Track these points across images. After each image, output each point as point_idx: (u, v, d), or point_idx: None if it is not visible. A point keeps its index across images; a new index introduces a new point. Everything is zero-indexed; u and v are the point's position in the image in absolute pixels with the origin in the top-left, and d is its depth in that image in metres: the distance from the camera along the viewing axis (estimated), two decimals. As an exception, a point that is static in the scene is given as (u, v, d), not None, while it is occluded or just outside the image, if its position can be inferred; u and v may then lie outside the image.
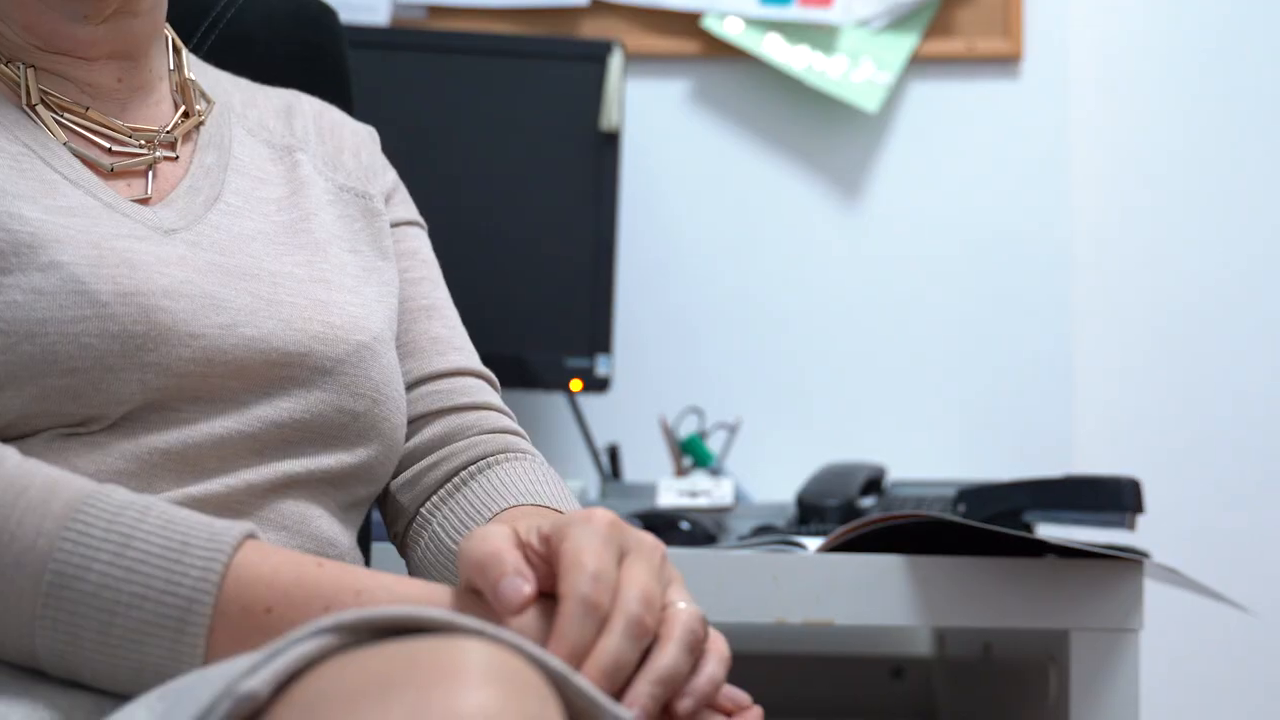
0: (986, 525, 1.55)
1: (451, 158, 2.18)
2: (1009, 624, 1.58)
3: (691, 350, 2.39)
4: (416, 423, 1.30)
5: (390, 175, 1.39)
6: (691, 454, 2.22)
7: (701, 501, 2.08)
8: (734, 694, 1.01)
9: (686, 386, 2.37)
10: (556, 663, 0.86)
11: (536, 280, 2.20)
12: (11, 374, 1.07)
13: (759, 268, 2.40)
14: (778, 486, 2.26)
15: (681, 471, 2.21)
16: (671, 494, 2.10)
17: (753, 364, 2.39)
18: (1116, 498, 1.70)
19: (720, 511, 2.06)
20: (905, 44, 2.37)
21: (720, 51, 2.38)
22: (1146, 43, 2.43)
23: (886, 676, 2.31)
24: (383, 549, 1.48)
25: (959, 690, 2.22)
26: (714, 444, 2.26)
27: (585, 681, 0.88)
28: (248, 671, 0.84)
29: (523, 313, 2.19)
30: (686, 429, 2.27)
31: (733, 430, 2.26)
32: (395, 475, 1.29)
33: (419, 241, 1.38)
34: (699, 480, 2.12)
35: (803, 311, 2.40)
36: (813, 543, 1.65)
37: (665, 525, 1.87)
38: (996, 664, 1.98)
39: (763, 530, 1.88)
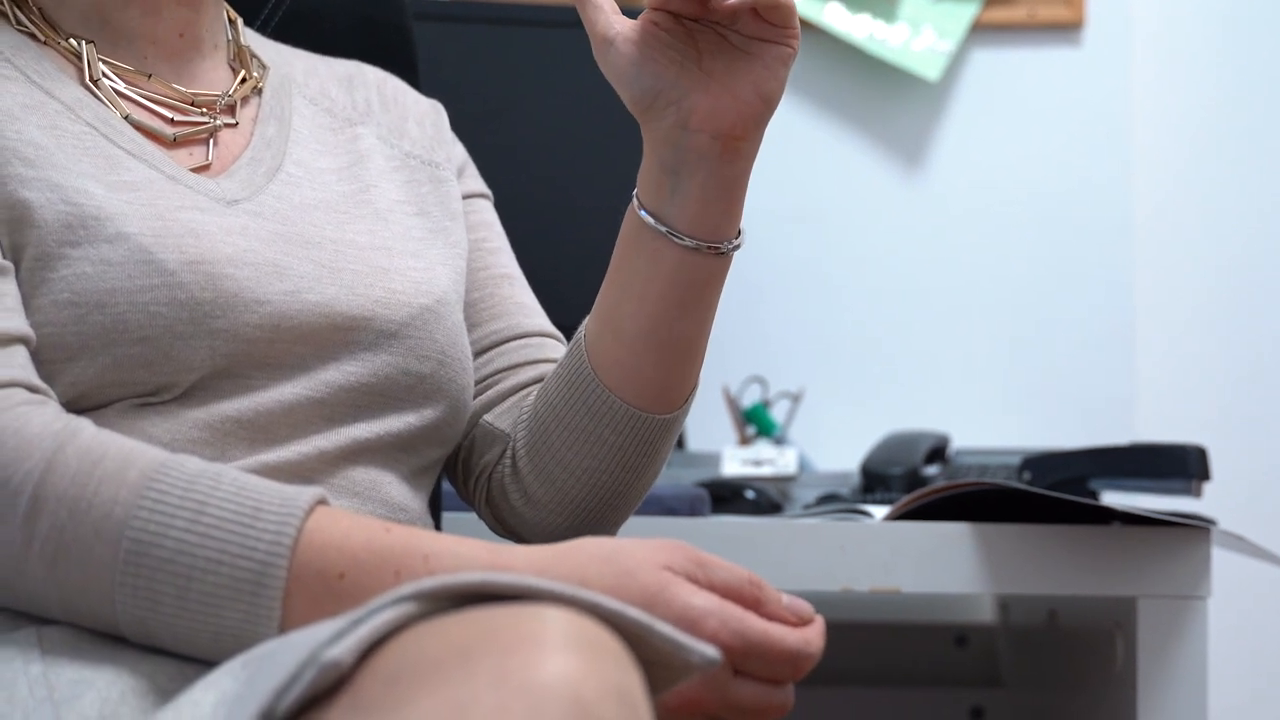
0: (1052, 493, 1.55)
1: (513, 128, 2.18)
2: (1075, 591, 1.58)
3: (754, 319, 2.39)
4: (512, 369, 1.33)
5: (459, 149, 1.40)
6: (755, 423, 2.22)
7: (765, 470, 2.09)
8: (796, 605, 1.04)
9: (749, 356, 2.37)
10: (635, 613, 0.88)
11: (598, 250, 2.19)
12: (84, 344, 1.09)
13: (820, 237, 2.40)
14: (841, 455, 2.26)
15: (745, 440, 2.22)
16: (735, 463, 2.11)
17: (815, 333, 2.39)
18: (1182, 465, 1.69)
19: (784, 480, 2.06)
20: (967, 11, 2.36)
21: (781, 21, 2.37)
22: (1208, 9, 2.41)
23: (950, 644, 2.31)
24: (452, 518, 1.49)
25: (1023, 658, 2.22)
26: (777, 413, 2.26)
27: (668, 627, 0.89)
28: (331, 639, 0.85)
29: (585, 283, 2.16)
30: (749, 398, 2.27)
31: (796, 399, 2.26)
32: (490, 408, 1.32)
33: (492, 215, 1.40)
34: (763, 449, 2.13)
35: (864, 280, 2.40)
36: (879, 511, 1.66)
37: (730, 494, 1.88)
38: (1062, 631, 1.98)
39: (827, 499, 1.88)
